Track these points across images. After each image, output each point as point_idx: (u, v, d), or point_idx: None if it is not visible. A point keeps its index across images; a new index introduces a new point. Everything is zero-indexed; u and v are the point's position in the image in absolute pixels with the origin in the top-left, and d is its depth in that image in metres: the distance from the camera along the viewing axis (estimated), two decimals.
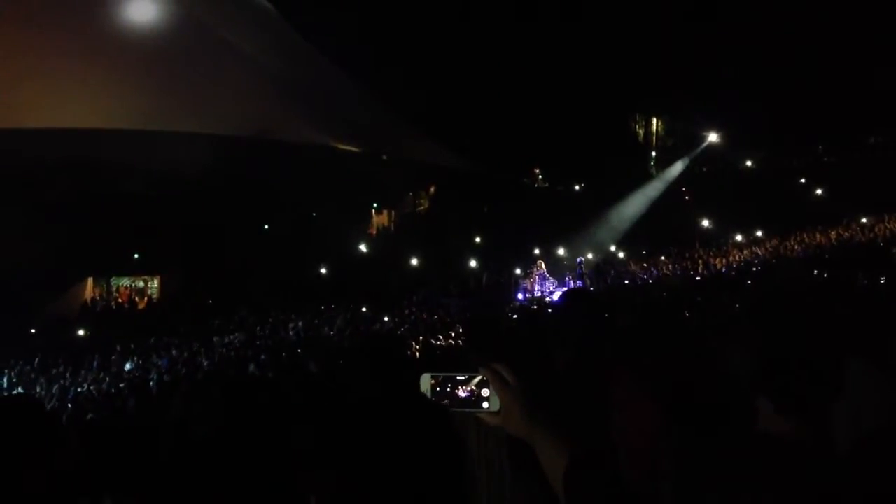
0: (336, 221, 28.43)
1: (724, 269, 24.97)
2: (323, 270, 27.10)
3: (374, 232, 32.21)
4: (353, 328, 19.33)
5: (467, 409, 1.76)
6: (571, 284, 24.33)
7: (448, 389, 1.78)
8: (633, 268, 28.35)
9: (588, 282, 24.96)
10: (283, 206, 28.18)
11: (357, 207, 30.70)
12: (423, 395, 1.75)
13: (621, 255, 29.90)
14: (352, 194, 29.11)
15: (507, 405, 1.73)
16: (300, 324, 21.06)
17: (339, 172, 28.21)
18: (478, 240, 30.30)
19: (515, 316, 16.89)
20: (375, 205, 32.55)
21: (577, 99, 29.58)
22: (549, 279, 24.57)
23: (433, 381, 1.79)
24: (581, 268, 25.87)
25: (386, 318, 20.70)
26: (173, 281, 28.74)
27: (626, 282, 25.64)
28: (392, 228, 32.63)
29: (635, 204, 31.52)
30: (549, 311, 12.62)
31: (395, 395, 1.52)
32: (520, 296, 24.03)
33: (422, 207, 33.22)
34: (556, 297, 21.76)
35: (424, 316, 20.71)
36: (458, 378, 1.79)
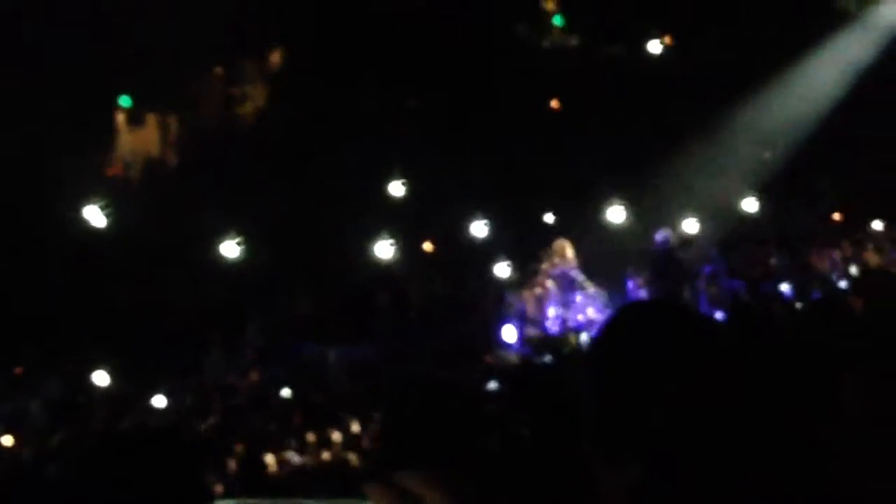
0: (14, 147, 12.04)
1: None
2: None
3: (122, 171, 14.30)
4: (76, 421, 11.55)
5: None
6: (639, 294, 13.02)
7: None
8: (816, 257, 13.23)
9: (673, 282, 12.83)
10: None
11: (77, 106, 12.47)
12: None
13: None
14: (64, 69, 12.24)
15: None
16: None
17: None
18: (397, 188, 13.23)
19: (495, 384, 9.90)
20: (124, 99, 13.94)
21: None
22: (581, 286, 12.76)
23: None
24: (667, 251, 12.95)
25: (161, 398, 12.23)
26: None
27: (784, 285, 12.68)
28: (170, 163, 14.33)
29: (812, 85, 13.43)
30: (585, 364, 1.91)
31: None
32: (510, 333, 12.65)
33: (246, 108, 14.35)
34: (596, 329, 8.18)
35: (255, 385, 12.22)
36: None
